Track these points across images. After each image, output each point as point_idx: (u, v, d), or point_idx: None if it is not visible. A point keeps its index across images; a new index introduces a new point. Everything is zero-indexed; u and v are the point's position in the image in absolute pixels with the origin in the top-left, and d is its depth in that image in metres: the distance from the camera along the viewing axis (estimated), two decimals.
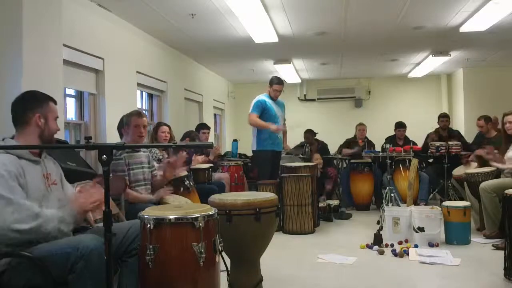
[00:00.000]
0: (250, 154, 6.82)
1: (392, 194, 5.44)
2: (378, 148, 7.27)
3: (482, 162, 5.46)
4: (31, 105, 2.30)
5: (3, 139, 2.28)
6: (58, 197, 2.33)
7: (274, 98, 5.76)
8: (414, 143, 6.57)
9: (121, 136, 4.35)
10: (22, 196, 2.09)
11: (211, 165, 5.78)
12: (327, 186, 7.15)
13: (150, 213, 2.30)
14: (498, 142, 5.53)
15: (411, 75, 9.94)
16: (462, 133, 7.60)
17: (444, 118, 7.22)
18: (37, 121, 2.29)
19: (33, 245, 2.09)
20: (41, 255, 2.04)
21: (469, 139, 7.15)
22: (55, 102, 2.41)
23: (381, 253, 4.35)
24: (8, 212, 2.01)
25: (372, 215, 6.36)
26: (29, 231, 2.03)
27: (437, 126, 7.23)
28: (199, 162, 5.44)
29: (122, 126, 3.95)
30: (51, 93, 2.47)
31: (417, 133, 7.63)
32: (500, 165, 4.90)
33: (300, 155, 7.05)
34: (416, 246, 4.50)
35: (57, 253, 2.04)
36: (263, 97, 5.74)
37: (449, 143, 6.54)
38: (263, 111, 5.64)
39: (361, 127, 7.59)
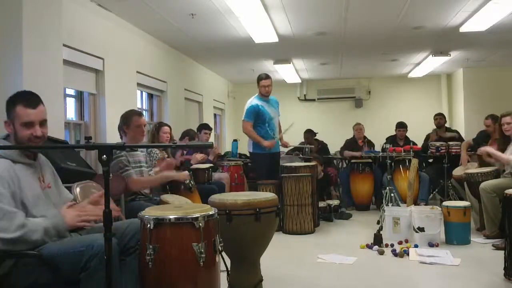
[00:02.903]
0: (249, 154, 6.81)
1: (392, 194, 5.44)
2: (378, 148, 7.28)
3: (483, 162, 5.45)
4: (6, 112, 2.22)
5: None
6: (53, 201, 2.30)
7: (266, 95, 5.57)
8: (414, 143, 6.58)
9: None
10: (10, 204, 2.03)
11: (211, 165, 5.77)
12: (333, 193, 7.16)
13: (150, 213, 2.30)
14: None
15: (411, 75, 9.95)
16: (462, 133, 7.61)
17: (438, 116, 7.29)
18: (7, 128, 2.21)
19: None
20: (51, 254, 2.04)
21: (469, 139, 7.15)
22: (27, 105, 2.17)
23: (381, 253, 4.35)
24: None
25: (372, 215, 6.36)
26: (12, 240, 1.99)
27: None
28: (198, 161, 5.44)
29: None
30: (51, 93, 2.47)
31: (417, 133, 7.64)
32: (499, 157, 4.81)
33: (300, 155, 7.05)
34: (416, 246, 4.49)
35: (70, 252, 2.04)
36: (255, 100, 5.56)
37: (449, 143, 6.54)
38: (257, 116, 5.50)
39: (358, 126, 7.55)
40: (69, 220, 2.17)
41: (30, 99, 2.22)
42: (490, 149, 4.90)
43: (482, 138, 6.10)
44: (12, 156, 2.15)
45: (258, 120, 5.52)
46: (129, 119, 3.77)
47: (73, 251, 2.04)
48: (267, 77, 5.58)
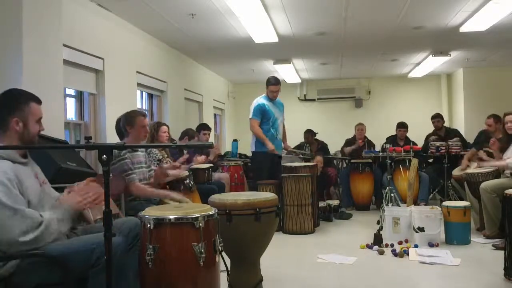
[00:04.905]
0: (250, 154, 6.81)
1: (392, 194, 5.44)
2: (378, 148, 7.27)
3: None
4: (9, 109, 2.17)
5: None
6: (52, 195, 2.32)
7: (272, 99, 5.69)
8: (414, 143, 6.57)
9: (121, 137, 4.31)
10: (24, 203, 2.05)
11: (211, 165, 5.78)
12: (330, 190, 7.13)
13: (150, 213, 2.30)
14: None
15: (411, 75, 9.94)
16: (462, 133, 7.60)
17: (435, 119, 7.23)
18: (15, 126, 2.16)
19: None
20: (58, 252, 2.05)
21: (469, 139, 7.14)
22: (38, 102, 2.26)
23: (381, 253, 4.35)
24: (15, 223, 1.97)
25: (372, 215, 6.36)
26: (35, 240, 2.00)
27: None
28: (200, 163, 5.45)
29: (119, 127, 3.94)
30: (51, 93, 2.46)
31: (417, 133, 7.64)
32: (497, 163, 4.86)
33: (301, 155, 7.05)
34: (416, 246, 4.50)
35: (80, 250, 2.07)
36: (262, 100, 5.66)
37: (449, 143, 6.53)
38: (262, 115, 5.59)
39: (359, 127, 7.58)
40: (73, 205, 2.17)
41: (36, 97, 2.27)
42: (485, 157, 5.03)
43: (484, 139, 6.10)
44: (12, 156, 2.13)
45: (263, 119, 5.61)
46: (133, 119, 3.76)
47: (83, 249, 2.07)
48: (276, 82, 5.65)
